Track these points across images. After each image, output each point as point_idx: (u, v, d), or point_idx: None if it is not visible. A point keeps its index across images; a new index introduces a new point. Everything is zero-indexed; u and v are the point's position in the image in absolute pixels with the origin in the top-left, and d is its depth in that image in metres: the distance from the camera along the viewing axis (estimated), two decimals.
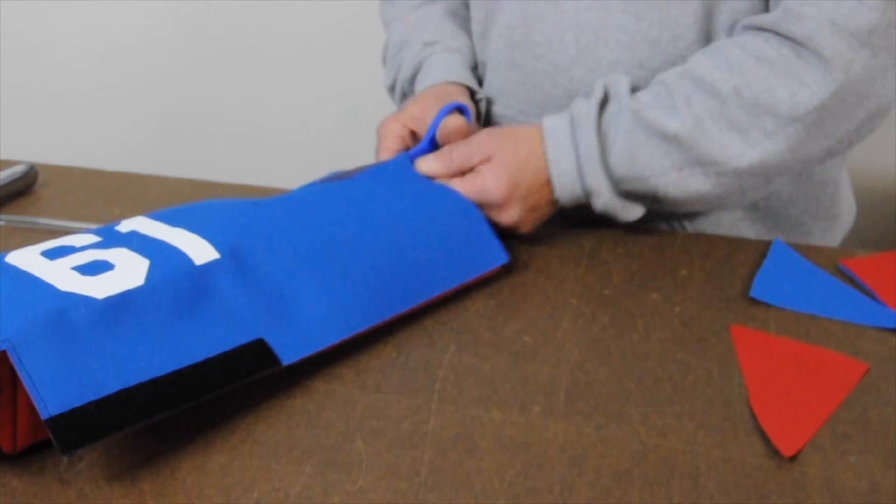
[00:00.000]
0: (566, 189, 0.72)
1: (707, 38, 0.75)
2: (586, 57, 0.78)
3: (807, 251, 0.73)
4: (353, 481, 0.49)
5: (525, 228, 0.73)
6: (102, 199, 0.84)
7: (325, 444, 0.52)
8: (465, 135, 0.75)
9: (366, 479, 0.49)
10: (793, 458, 0.51)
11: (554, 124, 0.73)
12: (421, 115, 0.79)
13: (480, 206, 0.71)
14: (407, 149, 0.78)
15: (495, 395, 0.56)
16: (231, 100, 1.65)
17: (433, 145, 0.77)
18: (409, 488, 0.49)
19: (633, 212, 0.73)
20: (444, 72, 0.85)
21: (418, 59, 0.88)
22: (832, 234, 0.87)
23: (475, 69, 0.89)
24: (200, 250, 0.57)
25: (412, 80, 0.89)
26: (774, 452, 0.51)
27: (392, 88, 0.93)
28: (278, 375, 0.56)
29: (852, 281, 0.69)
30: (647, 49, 0.76)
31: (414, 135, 0.80)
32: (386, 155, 0.77)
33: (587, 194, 0.72)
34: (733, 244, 0.75)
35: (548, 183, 0.72)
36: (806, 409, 0.55)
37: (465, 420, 0.54)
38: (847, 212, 0.91)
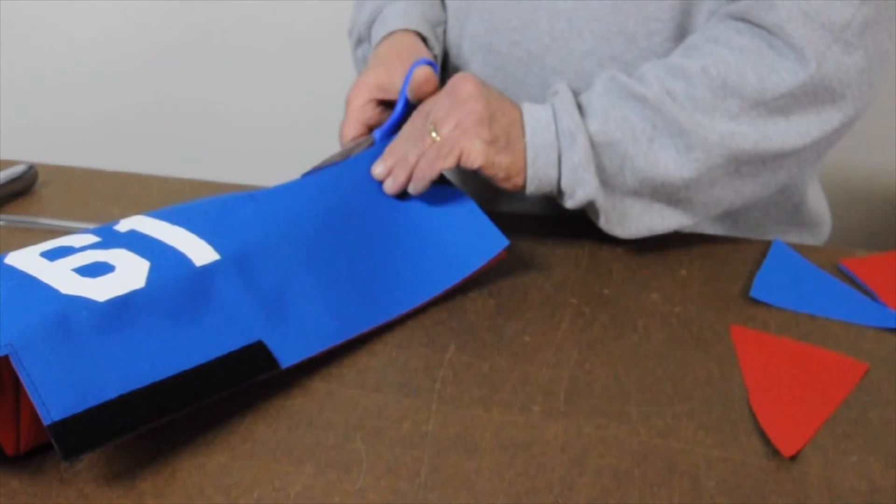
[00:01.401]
0: (538, 131, 0.68)
1: (683, 34, 0.75)
2: (559, 45, 0.78)
3: (807, 251, 0.73)
4: (353, 481, 0.49)
5: (476, 150, 0.67)
6: (102, 199, 0.84)
7: (325, 444, 0.52)
8: (435, 83, 0.73)
9: (366, 479, 0.49)
10: (793, 458, 0.51)
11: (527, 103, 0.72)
12: (388, 79, 0.76)
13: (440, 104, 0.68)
14: (371, 126, 0.76)
15: (495, 395, 0.56)
16: (231, 99, 1.65)
17: (407, 108, 0.74)
18: (409, 488, 0.49)
19: (590, 184, 0.69)
20: (402, 19, 0.82)
21: (380, 4, 0.86)
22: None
23: (437, 26, 0.86)
24: (200, 251, 0.57)
25: (370, 24, 0.86)
26: (774, 452, 0.51)
27: (350, 33, 0.91)
28: (278, 376, 0.56)
29: (852, 281, 0.69)
30: (621, 42, 0.76)
31: (380, 105, 0.77)
32: (344, 140, 0.75)
33: (559, 144, 0.68)
34: (733, 244, 0.75)
35: (519, 121, 0.69)
36: (806, 409, 0.55)
37: (465, 420, 0.54)
38: (820, 223, 0.90)
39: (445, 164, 0.67)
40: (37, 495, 0.48)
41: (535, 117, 0.69)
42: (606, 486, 0.49)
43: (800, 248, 0.73)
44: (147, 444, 0.52)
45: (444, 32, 0.89)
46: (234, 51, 1.61)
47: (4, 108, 1.70)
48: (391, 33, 0.81)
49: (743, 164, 0.69)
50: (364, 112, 0.76)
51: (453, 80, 0.70)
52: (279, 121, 1.63)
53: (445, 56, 0.88)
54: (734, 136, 0.68)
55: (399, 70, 0.76)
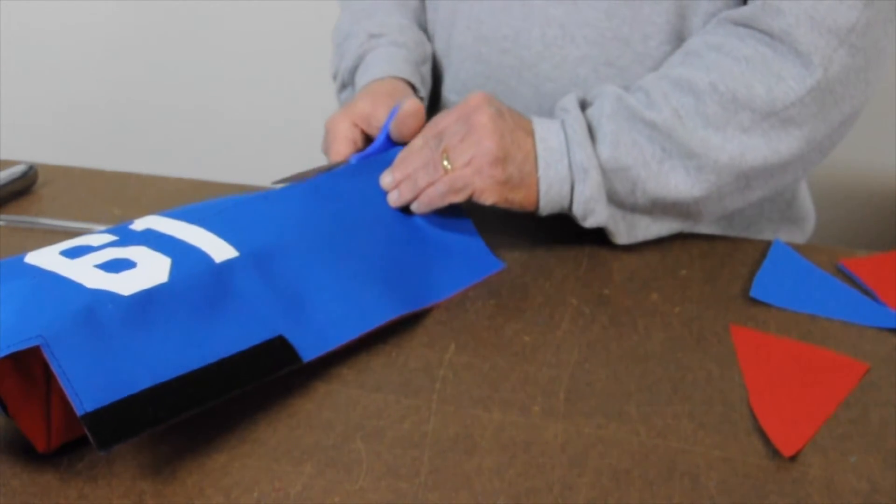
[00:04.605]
0: (551, 164, 0.68)
1: (679, 38, 0.75)
2: (553, 52, 0.77)
3: (807, 251, 0.73)
4: (353, 481, 0.49)
5: (489, 189, 0.67)
6: (102, 199, 0.84)
7: (325, 444, 0.52)
8: (422, 119, 0.72)
9: (366, 479, 0.49)
10: (793, 458, 0.51)
11: (538, 117, 0.71)
12: (372, 111, 0.75)
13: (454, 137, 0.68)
14: (358, 150, 0.75)
15: (495, 395, 0.56)
16: (231, 100, 1.65)
17: (388, 143, 0.74)
18: (409, 488, 0.49)
19: (602, 214, 0.70)
20: (387, 66, 0.81)
21: (361, 51, 0.84)
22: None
23: (422, 64, 0.85)
24: (219, 248, 0.57)
25: (353, 70, 0.85)
26: (774, 452, 0.51)
27: (335, 77, 0.90)
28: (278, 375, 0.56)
29: (852, 281, 0.69)
30: (616, 47, 0.75)
31: (364, 135, 0.76)
32: (336, 158, 0.74)
33: (572, 177, 0.68)
34: (733, 244, 0.75)
35: (532, 152, 0.68)
36: (806, 409, 0.55)
37: (465, 420, 0.54)
38: (807, 218, 0.91)
39: (456, 199, 0.68)
40: (37, 495, 0.48)
41: (549, 147, 0.68)
42: (606, 486, 0.49)
43: (800, 248, 0.73)
44: (147, 445, 0.52)
45: (432, 41, 0.88)
46: (235, 51, 1.61)
47: (4, 108, 1.70)
48: (377, 80, 0.80)
49: (752, 179, 0.70)
50: (353, 133, 0.75)
51: (468, 105, 0.69)
52: (280, 121, 1.63)
53: (434, 64, 0.88)
54: (744, 155, 0.68)
55: (384, 104, 0.75)
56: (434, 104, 0.89)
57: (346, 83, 0.87)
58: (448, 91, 0.86)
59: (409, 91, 0.80)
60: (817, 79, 0.67)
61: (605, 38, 0.75)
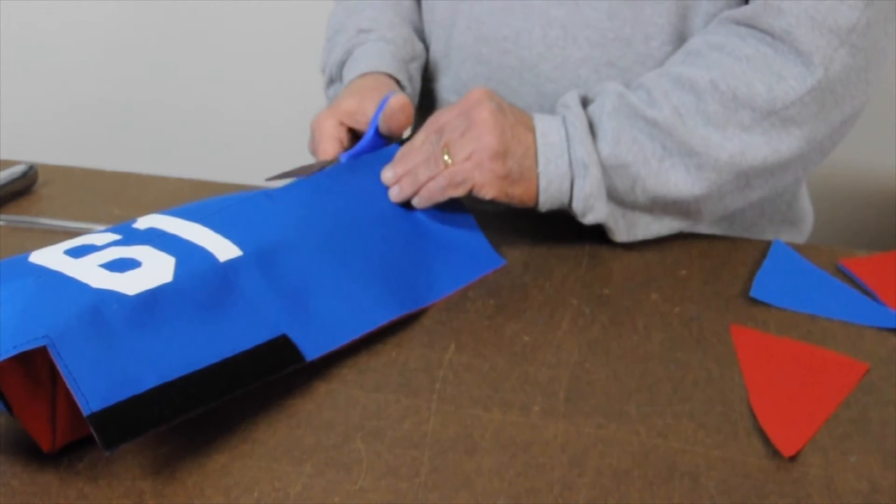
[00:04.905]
0: (551, 160, 0.68)
1: (680, 38, 0.75)
2: (554, 53, 0.77)
3: (807, 251, 0.73)
4: (353, 481, 0.49)
5: (489, 183, 0.67)
6: (102, 199, 0.84)
7: (325, 444, 0.52)
8: (410, 114, 0.72)
9: (366, 479, 0.49)
10: (793, 458, 0.51)
11: (539, 113, 0.71)
12: (358, 108, 0.75)
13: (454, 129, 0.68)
14: (345, 149, 0.75)
15: (495, 395, 0.56)
16: (231, 99, 1.65)
17: (378, 138, 0.74)
18: (409, 488, 0.49)
19: (601, 210, 0.70)
20: (374, 61, 0.81)
21: (350, 45, 0.84)
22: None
23: (411, 61, 0.85)
24: (222, 248, 0.57)
25: (341, 65, 0.85)
26: (774, 452, 0.51)
27: (323, 71, 0.90)
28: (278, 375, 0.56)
29: (852, 281, 0.69)
30: (618, 47, 0.75)
31: (351, 132, 0.76)
32: (324, 158, 0.74)
33: (572, 173, 0.68)
34: (733, 244, 0.75)
35: (532, 147, 0.68)
36: (806, 409, 0.55)
37: (465, 420, 0.54)
38: (806, 219, 0.91)
39: (456, 194, 0.68)
40: (37, 495, 0.48)
41: (549, 142, 0.69)
42: (606, 486, 0.49)
43: (800, 248, 0.73)
44: (147, 445, 0.52)
45: (429, 42, 0.88)
46: (235, 51, 1.61)
47: (4, 108, 1.70)
48: (363, 75, 0.80)
49: (752, 178, 0.70)
50: (339, 131, 0.75)
51: (469, 100, 0.69)
52: (280, 121, 1.63)
53: (435, 66, 0.88)
54: (744, 154, 0.68)
55: (370, 99, 0.74)
56: (432, 105, 0.89)
57: (333, 78, 0.87)
58: (447, 92, 0.86)
59: (395, 86, 0.79)
60: (818, 78, 0.67)
61: (607, 38, 0.75)
